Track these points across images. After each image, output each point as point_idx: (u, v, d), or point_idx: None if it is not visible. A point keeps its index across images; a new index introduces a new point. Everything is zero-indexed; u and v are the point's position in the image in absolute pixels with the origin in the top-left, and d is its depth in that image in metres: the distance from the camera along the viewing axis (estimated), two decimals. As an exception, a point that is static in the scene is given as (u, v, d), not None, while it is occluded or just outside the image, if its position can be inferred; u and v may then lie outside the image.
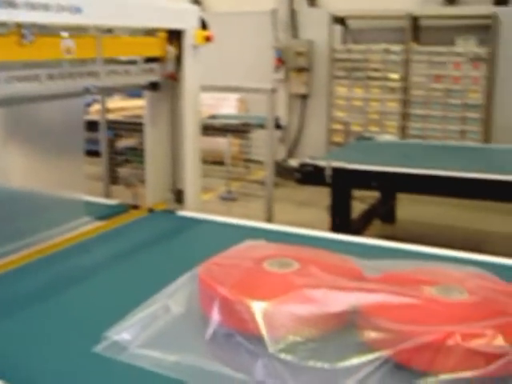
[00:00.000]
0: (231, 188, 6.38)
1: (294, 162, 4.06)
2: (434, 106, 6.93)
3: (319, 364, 1.01)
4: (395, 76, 7.09)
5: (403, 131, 7.08)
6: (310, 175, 3.88)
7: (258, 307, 1.12)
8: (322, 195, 4.49)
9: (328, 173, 3.76)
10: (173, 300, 1.27)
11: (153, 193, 2.61)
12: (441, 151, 4.81)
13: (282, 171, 6.41)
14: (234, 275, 1.26)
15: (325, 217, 4.13)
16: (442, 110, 6.89)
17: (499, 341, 0.96)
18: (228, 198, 6.26)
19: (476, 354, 0.96)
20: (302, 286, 1.18)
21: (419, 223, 5.59)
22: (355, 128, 7.18)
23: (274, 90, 4.27)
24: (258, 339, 1.07)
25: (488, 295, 1.16)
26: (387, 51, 7.10)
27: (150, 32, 2.43)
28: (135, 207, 2.46)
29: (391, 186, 4.25)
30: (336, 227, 3.90)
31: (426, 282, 1.21)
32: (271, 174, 4.36)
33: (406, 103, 7.07)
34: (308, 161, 3.96)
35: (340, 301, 1.14)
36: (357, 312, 1.12)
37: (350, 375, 0.97)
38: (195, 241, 2.07)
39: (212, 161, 5.97)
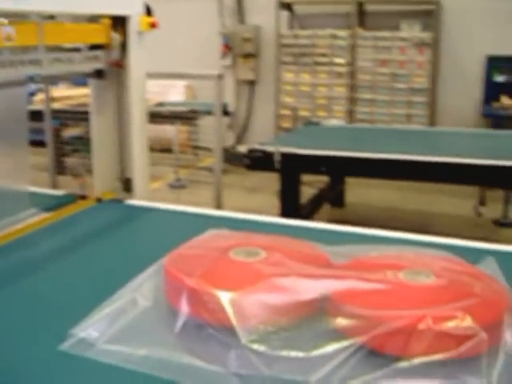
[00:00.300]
0: (180, 176, 6.35)
1: (242, 148, 4.06)
2: (380, 91, 7.01)
3: (293, 353, 1.01)
4: (342, 61, 7.14)
5: (351, 116, 7.15)
6: (258, 161, 3.88)
7: (227, 298, 1.10)
8: (271, 181, 4.51)
9: (277, 158, 3.76)
10: (139, 293, 1.23)
11: (100, 182, 2.58)
12: (388, 135, 4.87)
13: (231, 157, 6.40)
14: (200, 266, 1.23)
15: (274, 202, 4.14)
16: (389, 94, 6.97)
17: (469, 322, 0.98)
18: (177, 186, 6.23)
19: (447, 337, 0.98)
20: (270, 274, 1.16)
21: (368, 206, 5.66)
22: (303, 113, 7.20)
23: (220, 76, 4.24)
24: (229, 330, 1.05)
25: (455, 277, 1.17)
26: (334, 36, 7.14)
27: (94, 19, 2.38)
28: (83, 197, 2.42)
29: (340, 170, 4.28)
30: (285, 212, 3.91)
31: (393, 267, 1.21)
32: (219, 160, 4.34)
33: (352, 88, 7.13)
34: (256, 147, 3.96)
35: (310, 288, 1.13)
36: (327, 299, 1.11)
37: (324, 363, 0.97)
38: (147, 230, 2.05)
39: (160, 149, 5.93)
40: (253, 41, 7.67)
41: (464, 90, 6.97)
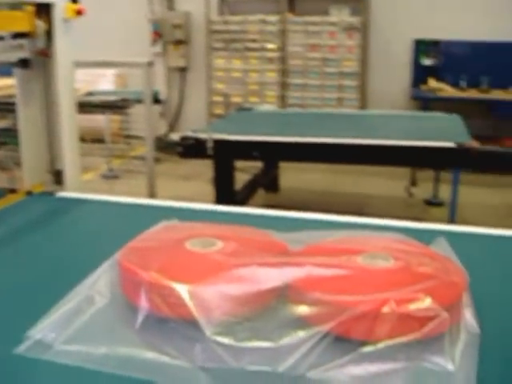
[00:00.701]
0: (113, 166, 6.26)
1: (175, 136, 4.02)
2: (311, 75, 7.06)
3: (259, 344, 0.99)
4: (273, 46, 7.15)
5: (283, 100, 7.18)
6: (191, 148, 3.86)
7: (187, 290, 1.06)
8: (205, 168, 4.49)
9: (209, 145, 3.75)
10: (95, 290, 1.17)
11: (30, 175, 2.51)
12: (320, 119, 4.90)
13: (164, 146, 6.34)
14: (156, 259, 1.19)
15: (209, 189, 4.13)
16: (320, 78, 7.03)
17: (431, 303, 0.99)
18: (110, 176, 6.14)
19: (411, 319, 0.99)
20: (229, 264, 1.14)
21: (303, 190, 5.71)
22: (235, 99, 7.19)
23: (150, 64, 4.19)
24: (191, 324, 1.02)
25: (412, 259, 1.18)
26: (264, 22, 7.13)
27: (17, 6, 2.31)
28: (12, 191, 2.35)
29: (273, 155, 4.29)
30: (220, 199, 3.91)
31: (351, 252, 1.21)
32: (151, 149, 4.30)
33: (284, 73, 7.15)
34: (189, 134, 3.93)
35: (271, 277, 1.10)
36: (289, 287, 1.09)
37: (291, 352, 0.95)
38: (84, 224, 1.99)
39: (92, 139, 5.82)
40: (183, 27, 7.60)
41: (393, 73, 7.10)
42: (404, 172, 5.19)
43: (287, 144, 3.85)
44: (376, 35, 7.04)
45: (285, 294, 1.08)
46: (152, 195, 4.18)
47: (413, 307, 0.97)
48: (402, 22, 6.96)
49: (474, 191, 5.59)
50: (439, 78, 6.89)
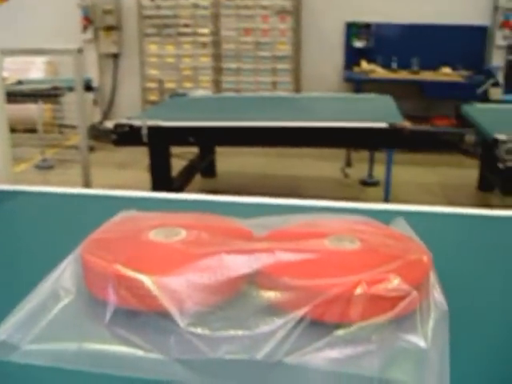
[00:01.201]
0: (46, 156, 6.13)
1: (109, 124, 3.97)
2: (245, 59, 7.06)
3: (235, 332, 0.97)
4: (205, 31, 7.11)
5: (217, 85, 7.16)
6: (126, 136, 3.82)
7: (156, 282, 1.03)
8: (141, 155, 4.45)
9: (144, 132, 3.71)
10: (60, 286, 1.13)
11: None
12: (254, 103, 4.92)
13: (99, 134, 6.25)
14: (121, 251, 1.14)
15: (146, 177, 4.10)
16: (253, 62, 7.03)
17: (400, 283, 1.00)
18: (44, 167, 6.01)
19: (383, 299, 0.99)
20: (196, 253, 1.11)
21: (239, 175, 5.72)
22: (169, 85, 7.12)
23: (80, 51, 4.12)
24: (163, 316, 1.00)
25: (377, 240, 1.18)
26: (196, 6, 7.08)
27: None
28: None
29: (208, 140, 4.29)
30: (157, 186, 3.89)
31: (317, 235, 1.19)
32: (85, 138, 4.23)
33: (217, 58, 7.13)
34: (123, 121, 3.89)
35: (239, 264, 1.07)
36: (259, 274, 1.08)
37: (267, 339, 0.94)
38: (28, 218, 1.91)
39: (24, 129, 5.69)
40: (114, 13, 7.47)
41: (326, 56, 7.16)
42: (339, 153, 5.26)
43: (223, 129, 3.86)
44: (308, 18, 7.08)
45: (255, 280, 1.07)
46: (87, 184, 4.12)
47: (384, 288, 0.97)
48: (334, 5, 7.02)
49: (408, 170, 5.72)
50: (371, 60, 7.00)
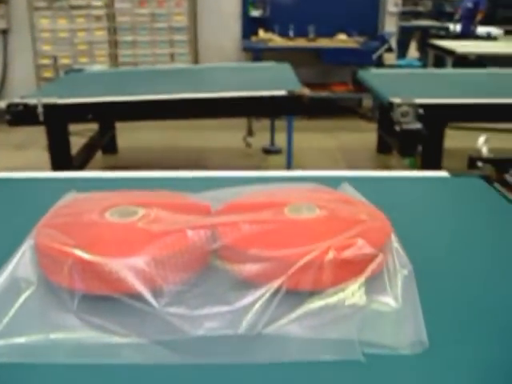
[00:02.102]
0: None
1: (2, 104, 3.82)
2: (141, 32, 6.92)
3: (215, 309, 0.94)
4: (99, 3, 6.91)
5: (114, 59, 6.99)
6: (21, 115, 3.68)
7: (123, 263, 0.96)
8: (40, 135, 4.31)
9: (40, 110, 3.60)
10: (19, 277, 1.04)
11: None
12: (153, 76, 4.85)
13: (-8, 115, 6.01)
14: (80, 235, 1.04)
15: (46, 157, 3.98)
16: (150, 34, 6.90)
17: (367, 246, 1.01)
18: None
19: (352, 263, 1.00)
20: (160, 231, 1.05)
21: (142, 149, 5.64)
22: (64, 61, 6.89)
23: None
24: (136, 298, 0.95)
25: (335, 207, 1.17)
26: (87, -22, 6.88)
27: None
28: None
29: (107, 116, 4.20)
30: (56, 165, 3.78)
31: (275, 205, 1.17)
32: (-23, 119, 4.06)
33: (113, 31, 6.95)
34: (17, 100, 3.75)
35: (205, 239, 1.05)
36: (226, 247, 1.04)
37: (247, 313, 0.91)
38: None
39: None
40: (-1, -14, 7.15)
41: (223, 26, 7.13)
42: (241, 123, 5.27)
43: (121, 103, 3.79)
44: (203, -12, 7.02)
45: (223, 254, 1.04)
46: (-18, 167, 3.97)
47: (352, 252, 0.98)
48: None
49: (309, 136, 5.81)
50: (268, 29, 7.02)
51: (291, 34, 7.00)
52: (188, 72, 5.18)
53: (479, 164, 1.75)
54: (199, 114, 4.10)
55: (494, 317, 0.93)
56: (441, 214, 1.14)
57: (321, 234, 1.03)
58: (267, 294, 0.91)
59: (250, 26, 7.08)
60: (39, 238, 1.07)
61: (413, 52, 7.47)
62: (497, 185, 1.62)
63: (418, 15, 8.43)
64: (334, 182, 1.34)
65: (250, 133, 5.23)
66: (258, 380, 0.81)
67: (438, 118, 3.92)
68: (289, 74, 4.59)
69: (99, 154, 5.21)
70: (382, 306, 0.94)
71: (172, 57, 6.91)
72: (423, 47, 7.78)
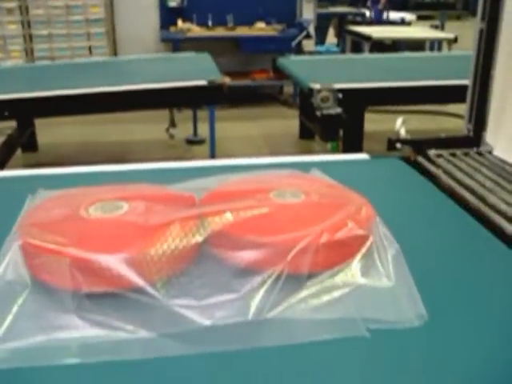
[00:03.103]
0: None
1: None
2: (57, 25, 6.74)
3: (222, 298, 0.93)
4: (10, -4, 6.71)
5: (30, 54, 6.81)
6: None
7: (120, 259, 0.93)
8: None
9: (-48, 109, 3.49)
10: (11, 280, 0.97)
11: None
12: (71, 70, 4.76)
13: None
14: (68, 233, 1.01)
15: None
16: (66, 27, 6.73)
17: (357, 228, 1.03)
18: None
19: (345, 245, 1.02)
20: (151, 225, 1.02)
21: (63, 145, 5.53)
22: (-23, 57, 6.69)
23: None
24: (138, 292, 0.91)
25: (319, 191, 1.19)
26: (-3, -31, 6.66)
27: None
28: None
29: (25, 112, 4.10)
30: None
31: (260, 192, 1.16)
32: None
33: (27, 24, 6.76)
34: None
35: (195, 229, 1.01)
36: (219, 236, 1.01)
37: (252, 300, 0.92)
38: None
39: None
40: None
41: (141, 17, 7.03)
42: (163, 114, 5.24)
43: (39, 99, 3.71)
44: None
45: (216, 243, 1.02)
46: None
47: (345, 234, 1.02)
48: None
49: (232, 125, 5.83)
50: (187, 19, 6.99)
51: (210, 23, 6.99)
52: (107, 65, 5.12)
53: (398, 145, 1.81)
54: (120, 108, 4.07)
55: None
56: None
57: (311, 218, 1.06)
58: (270, 280, 0.93)
59: (168, 17, 7.02)
60: (26, 238, 1.02)
61: (331, 38, 7.61)
62: (415, 164, 1.69)
63: (334, 2, 8.60)
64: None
65: (173, 124, 5.21)
66: (269, 364, 0.83)
67: (357, 102, 4.01)
68: (209, 64, 4.59)
69: (19, 152, 5.08)
70: (377, 283, 0.99)
71: (90, 50, 6.79)
72: (341, 33, 7.93)
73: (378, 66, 4.83)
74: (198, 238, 1.00)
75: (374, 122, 4.85)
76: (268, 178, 1.29)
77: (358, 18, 8.54)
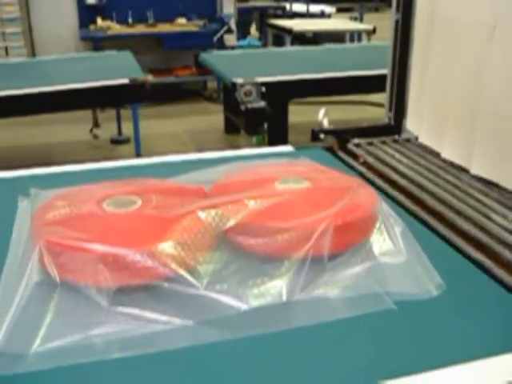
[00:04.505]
0: None
1: None
2: (-30, 26, 6.54)
3: (257, 283, 0.96)
4: None
5: None
6: None
7: (153, 251, 0.94)
8: None
9: None
10: (38, 282, 0.94)
11: None
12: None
13: None
14: (90, 230, 1.00)
15: None
16: (-21, 28, 6.55)
17: (368, 209, 1.10)
18: None
19: (358, 226, 1.08)
20: (171, 216, 1.03)
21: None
22: None
23: None
24: (172, 282, 0.93)
25: (318, 177, 1.23)
26: None
27: None
28: None
29: None
30: None
31: (265, 181, 1.19)
32: None
33: None
34: None
35: (216, 219, 1.03)
36: (240, 224, 1.03)
37: (284, 282, 0.96)
38: None
39: None
40: None
41: (59, 15, 6.86)
42: (87, 115, 5.16)
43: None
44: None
45: (237, 231, 1.04)
46: None
47: (358, 215, 1.07)
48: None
49: (157, 123, 5.78)
50: (107, 17, 6.89)
51: (130, 20, 6.91)
52: (25, 66, 4.98)
53: (321, 136, 1.84)
54: (41, 110, 3.98)
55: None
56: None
57: (322, 202, 1.09)
58: (297, 263, 0.97)
59: (86, 15, 6.88)
60: (48, 238, 0.99)
61: (253, 32, 7.63)
62: (339, 154, 1.73)
63: (255, -4, 8.61)
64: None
65: (97, 124, 5.14)
66: (305, 343, 0.87)
67: (281, 94, 4.05)
68: (130, 62, 4.55)
69: None
70: (392, 259, 1.04)
71: (6, 50, 6.60)
72: (262, 27, 7.97)
73: (299, 58, 4.89)
74: (221, 227, 1.02)
75: (298, 113, 4.91)
76: (268, 168, 1.33)
77: (279, 12, 8.60)
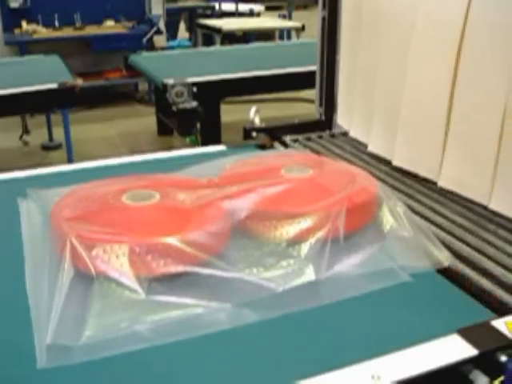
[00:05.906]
0: None
1: None
2: None
3: (285, 264, 1.01)
4: None
5: None
6: None
7: (183, 240, 0.98)
8: None
9: None
10: (74, 277, 0.96)
11: None
12: None
13: None
14: (116, 223, 1.03)
15: None
16: None
17: (374, 192, 1.16)
18: None
19: (367, 208, 1.14)
20: (194, 207, 1.07)
21: None
22: None
23: None
24: (209, 268, 0.97)
25: (320, 165, 1.28)
26: None
27: None
28: None
29: None
30: None
31: (271, 170, 1.23)
32: None
33: None
34: None
35: (239, 206, 1.08)
36: (258, 212, 1.08)
37: (312, 263, 1.01)
38: None
39: None
40: None
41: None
42: (16, 121, 5.05)
43: None
44: None
45: (256, 217, 1.08)
46: None
47: (366, 197, 1.14)
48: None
49: (88, 127, 5.70)
50: (32, 20, 6.74)
51: (57, 23, 6.78)
52: None
53: (253, 134, 1.86)
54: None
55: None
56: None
57: (331, 188, 1.15)
58: (319, 244, 1.03)
59: (10, 18, 6.70)
60: (77, 232, 1.00)
61: (182, 33, 7.61)
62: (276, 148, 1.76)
63: (183, -4, 8.58)
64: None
65: (26, 131, 5.03)
66: (336, 318, 0.94)
67: (212, 94, 4.06)
68: (59, 66, 4.47)
69: None
70: (400, 236, 1.10)
71: None
72: (192, 27, 7.95)
73: (230, 57, 4.90)
74: (240, 215, 1.07)
75: (231, 112, 4.92)
76: (269, 159, 1.37)
77: (208, 12, 8.59)
